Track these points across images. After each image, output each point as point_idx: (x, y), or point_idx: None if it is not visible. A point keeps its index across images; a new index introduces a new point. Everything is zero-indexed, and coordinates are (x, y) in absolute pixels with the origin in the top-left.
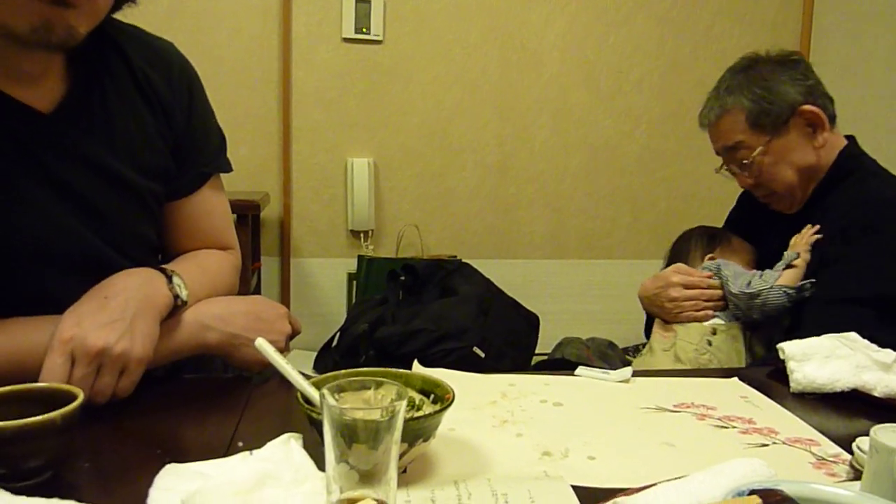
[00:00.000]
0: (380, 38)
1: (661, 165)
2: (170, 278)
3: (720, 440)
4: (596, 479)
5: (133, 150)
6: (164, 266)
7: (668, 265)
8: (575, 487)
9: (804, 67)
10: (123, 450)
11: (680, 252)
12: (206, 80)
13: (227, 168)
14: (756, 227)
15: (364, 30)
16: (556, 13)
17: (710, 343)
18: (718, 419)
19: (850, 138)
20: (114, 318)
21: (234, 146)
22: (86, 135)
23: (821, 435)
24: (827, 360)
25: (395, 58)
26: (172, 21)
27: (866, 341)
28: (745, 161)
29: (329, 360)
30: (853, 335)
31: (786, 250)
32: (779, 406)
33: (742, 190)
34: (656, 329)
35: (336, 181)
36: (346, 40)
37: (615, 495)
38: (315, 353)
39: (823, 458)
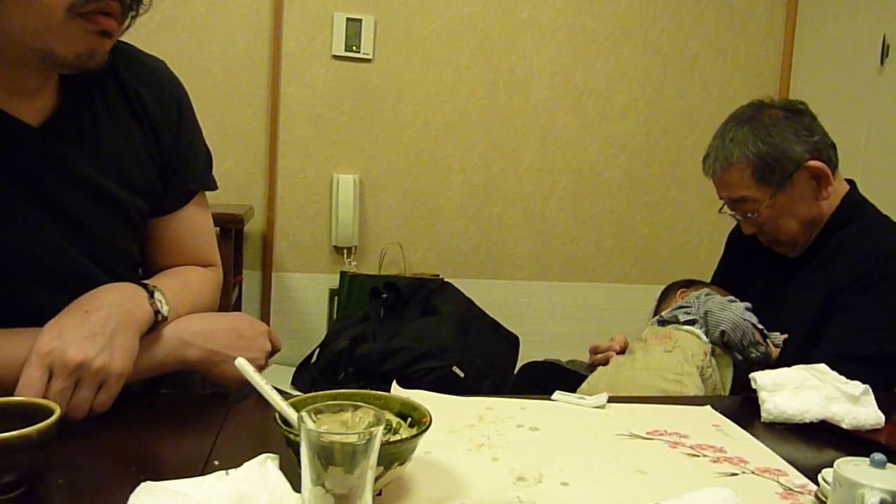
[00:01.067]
0: (369, 57)
1: (644, 191)
2: (151, 293)
3: (691, 468)
4: None
5: (120, 166)
6: (145, 281)
7: (655, 313)
8: None
9: (809, 120)
10: (98, 466)
11: (661, 299)
12: (195, 93)
13: (213, 186)
14: (746, 267)
15: (354, 48)
16: (545, 39)
17: (711, 361)
18: (690, 447)
19: (851, 183)
20: (94, 332)
21: (220, 159)
22: (73, 149)
23: (789, 465)
24: (797, 390)
25: (384, 77)
26: (164, 35)
27: (835, 373)
28: (749, 214)
29: (308, 376)
30: (823, 367)
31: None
32: (749, 435)
33: (728, 234)
34: (653, 334)
35: (321, 197)
36: (336, 58)
37: None
38: (294, 369)
39: (790, 489)
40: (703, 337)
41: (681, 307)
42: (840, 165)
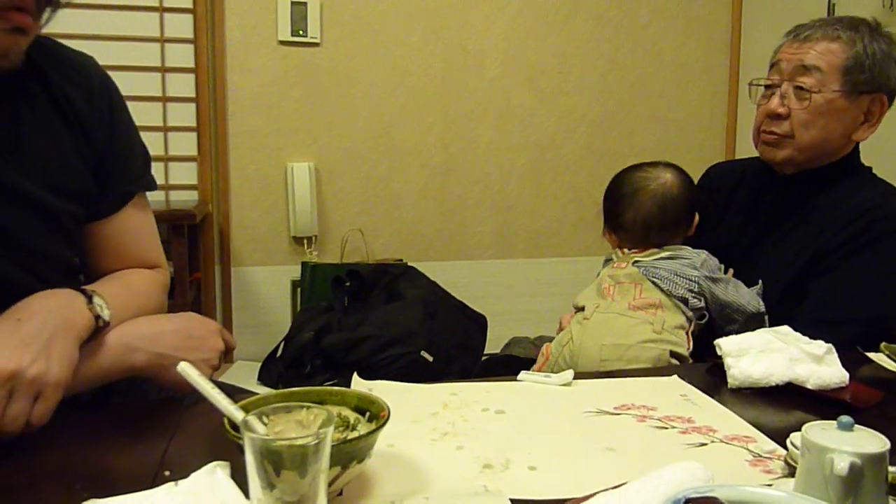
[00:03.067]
0: (317, 41)
1: (603, 163)
2: (90, 298)
3: (660, 442)
4: (536, 491)
5: (48, 171)
6: (84, 286)
7: (613, 214)
8: (515, 501)
9: None
10: (39, 487)
11: (622, 196)
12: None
13: (153, 186)
14: (723, 210)
15: (300, 32)
16: (496, 14)
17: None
18: (658, 420)
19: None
20: (27, 341)
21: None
22: None
23: (757, 431)
24: (762, 354)
25: (333, 60)
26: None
27: (798, 334)
28: (805, 89)
29: (274, 371)
30: (785, 328)
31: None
32: (717, 403)
33: (706, 170)
34: (630, 293)
35: (276, 187)
36: (283, 43)
37: None
38: (259, 365)
39: (760, 455)
40: (690, 314)
41: (682, 261)
42: None
